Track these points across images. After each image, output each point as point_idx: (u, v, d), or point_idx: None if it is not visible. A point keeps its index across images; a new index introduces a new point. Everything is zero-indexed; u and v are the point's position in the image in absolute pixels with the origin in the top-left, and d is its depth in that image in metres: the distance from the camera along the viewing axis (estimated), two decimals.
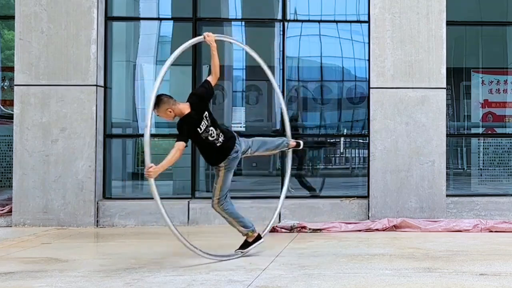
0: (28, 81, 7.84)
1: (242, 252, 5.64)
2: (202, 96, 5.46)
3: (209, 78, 5.61)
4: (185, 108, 5.32)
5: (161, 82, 5.20)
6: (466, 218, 7.91)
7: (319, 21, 9.63)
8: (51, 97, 7.83)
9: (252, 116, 11.00)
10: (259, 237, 5.74)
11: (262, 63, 6.05)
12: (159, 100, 5.24)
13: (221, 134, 5.45)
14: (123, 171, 9.47)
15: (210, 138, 5.38)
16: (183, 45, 5.51)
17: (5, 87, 10.14)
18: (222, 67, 9.31)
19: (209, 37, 5.59)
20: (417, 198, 7.92)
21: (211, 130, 5.39)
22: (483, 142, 9.81)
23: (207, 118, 5.38)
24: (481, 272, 4.92)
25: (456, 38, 10.42)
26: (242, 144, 5.60)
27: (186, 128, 5.26)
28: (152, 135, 10.35)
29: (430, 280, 4.61)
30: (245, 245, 5.69)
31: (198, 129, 5.31)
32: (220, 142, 5.43)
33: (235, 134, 5.66)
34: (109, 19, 8.28)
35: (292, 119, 9.52)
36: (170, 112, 5.28)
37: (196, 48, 8.36)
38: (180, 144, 5.15)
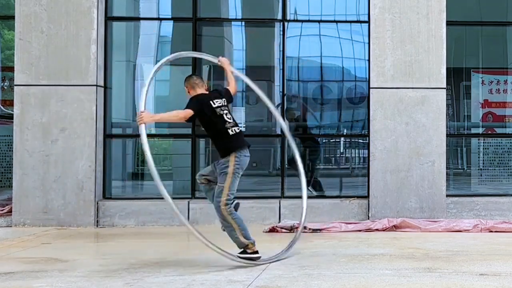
0: (28, 81, 7.84)
1: (238, 257, 5.20)
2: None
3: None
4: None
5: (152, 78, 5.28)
6: (466, 218, 7.91)
7: (319, 21, 9.63)
8: (51, 97, 7.83)
9: (252, 116, 11.00)
10: (257, 253, 5.30)
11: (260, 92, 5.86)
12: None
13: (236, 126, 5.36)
14: (123, 171, 9.47)
15: (226, 121, 5.25)
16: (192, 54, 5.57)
17: (5, 87, 10.15)
18: (222, 67, 9.32)
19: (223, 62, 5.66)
20: (417, 198, 7.92)
21: (227, 113, 5.31)
22: (483, 142, 9.81)
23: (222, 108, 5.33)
24: (481, 272, 4.92)
25: (456, 38, 10.42)
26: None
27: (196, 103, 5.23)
28: (152, 135, 10.41)
29: (430, 280, 4.61)
30: (244, 252, 5.27)
31: (212, 102, 5.24)
32: (236, 131, 5.28)
33: None
34: (109, 19, 8.28)
35: (293, 119, 9.52)
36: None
37: (196, 48, 8.36)
38: (187, 111, 5.10)
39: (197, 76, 5.60)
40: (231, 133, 5.24)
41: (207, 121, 5.26)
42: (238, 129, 5.33)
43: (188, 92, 5.40)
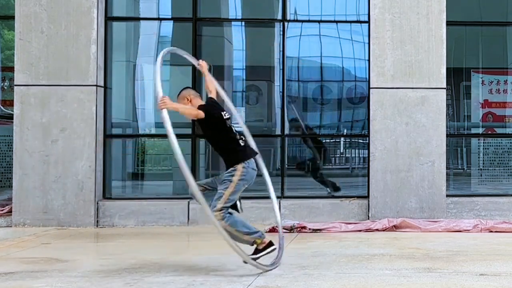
0: (28, 81, 7.84)
1: (253, 260, 4.91)
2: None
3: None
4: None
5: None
6: (466, 218, 7.91)
7: (319, 21, 9.64)
8: (51, 97, 7.83)
9: (252, 116, 11.02)
10: (270, 244, 5.04)
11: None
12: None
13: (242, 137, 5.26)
14: (123, 171, 9.47)
15: (234, 132, 5.15)
16: (176, 51, 5.45)
17: (5, 87, 10.14)
18: (222, 67, 9.32)
19: (203, 66, 5.45)
20: (417, 198, 7.92)
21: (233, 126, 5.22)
22: (483, 142, 9.81)
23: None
24: (481, 272, 4.92)
25: (456, 38, 10.42)
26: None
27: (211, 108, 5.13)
28: (152, 135, 10.39)
29: (430, 280, 4.61)
30: (256, 251, 5.02)
31: (223, 114, 5.10)
32: (244, 142, 5.19)
33: None
34: (109, 19, 8.28)
35: (293, 120, 9.53)
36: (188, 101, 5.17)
37: (196, 48, 8.37)
38: (200, 112, 4.96)
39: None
40: (242, 144, 5.15)
41: (218, 130, 5.10)
42: (244, 140, 5.24)
43: (190, 101, 5.18)
